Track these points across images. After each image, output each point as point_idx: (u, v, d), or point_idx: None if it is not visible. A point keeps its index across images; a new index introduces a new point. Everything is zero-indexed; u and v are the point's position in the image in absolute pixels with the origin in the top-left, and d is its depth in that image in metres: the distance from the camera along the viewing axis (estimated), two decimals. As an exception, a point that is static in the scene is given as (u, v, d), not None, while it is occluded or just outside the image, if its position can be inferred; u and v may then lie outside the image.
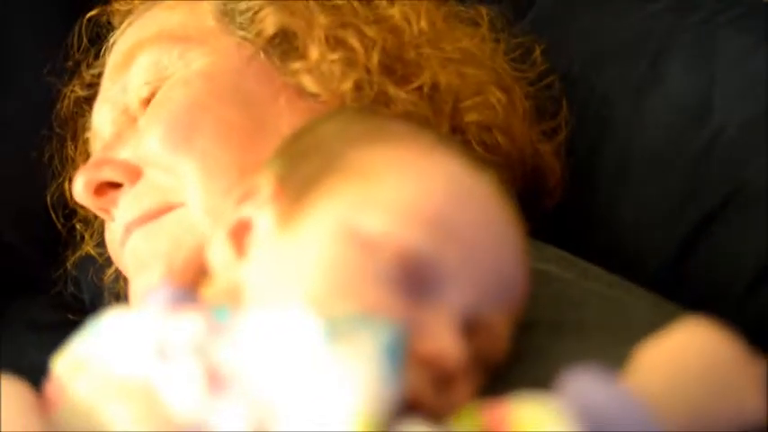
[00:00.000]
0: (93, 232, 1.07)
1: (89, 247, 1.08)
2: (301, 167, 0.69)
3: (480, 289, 0.64)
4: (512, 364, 0.68)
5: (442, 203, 0.64)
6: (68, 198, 1.04)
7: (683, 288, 0.88)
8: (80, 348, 0.63)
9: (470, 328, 0.64)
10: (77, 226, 1.08)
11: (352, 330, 0.53)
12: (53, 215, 1.07)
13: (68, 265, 1.11)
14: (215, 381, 0.55)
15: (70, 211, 1.08)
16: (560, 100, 0.99)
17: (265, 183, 0.70)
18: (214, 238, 0.70)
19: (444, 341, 0.60)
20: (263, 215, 0.68)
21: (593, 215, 0.97)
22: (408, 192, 0.64)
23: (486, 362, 0.66)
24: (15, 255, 1.15)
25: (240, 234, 0.69)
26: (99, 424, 0.57)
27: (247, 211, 0.69)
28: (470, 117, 0.88)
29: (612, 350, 0.66)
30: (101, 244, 1.00)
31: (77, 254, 1.09)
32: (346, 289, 0.60)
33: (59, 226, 1.08)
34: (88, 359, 0.62)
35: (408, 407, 0.56)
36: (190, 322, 0.58)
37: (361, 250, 0.62)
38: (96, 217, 1.01)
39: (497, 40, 0.97)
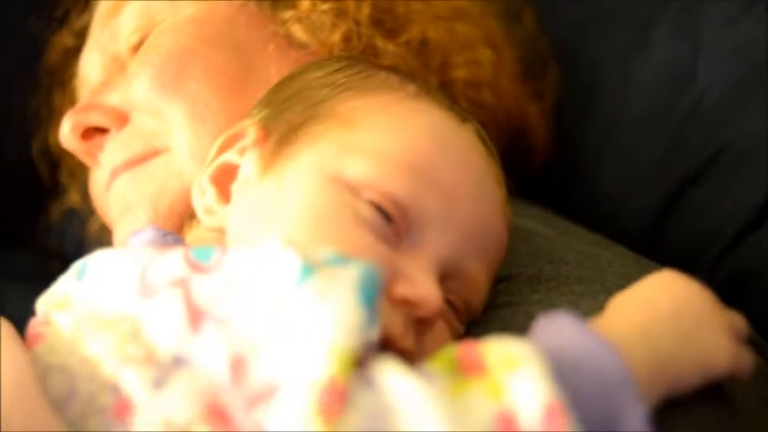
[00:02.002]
0: (79, 184, 1.07)
1: (74, 199, 1.07)
2: (286, 113, 0.69)
3: (460, 236, 0.65)
4: (489, 312, 0.69)
5: (424, 151, 0.65)
6: (55, 148, 1.03)
7: (664, 246, 0.90)
8: (64, 286, 0.64)
9: (449, 275, 0.65)
10: (62, 178, 1.08)
11: (329, 268, 0.54)
12: (38, 166, 1.07)
13: (52, 216, 1.11)
14: (195, 317, 0.56)
15: (56, 162, 1.07)
16: (549, 63, 0.99)
17: (250, 128, 0.70)
18: (197, 182, 0.71)
19: (423, 285, 0.61)
20: (246, 160, 0.68)
21: (579, 175, 0.98)
22: (391, 139, 0.65)
23: (464, 310, 0.67)
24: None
25: (223, 179, 0.69)
26: (81, 356, 0.57)
27: (231, 156, 0.70)
28: (458, 73, 0.89)
29: (588, 300, 0.68)
30: (86, 196, 0.99)
31: (62, 206, 1.09)
32: (327, 232, 0.61)
33: (44, 177, 1.08)
34: (72, 296, 0.62)
35: (384, 347, 0.57)
36: (172, 261, 0.59)
37: (343, 194, 0.63)
38: (82, 168, 1.01)
39: (489, 1, 0.97)
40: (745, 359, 0.58)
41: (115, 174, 0.84)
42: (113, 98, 0.85)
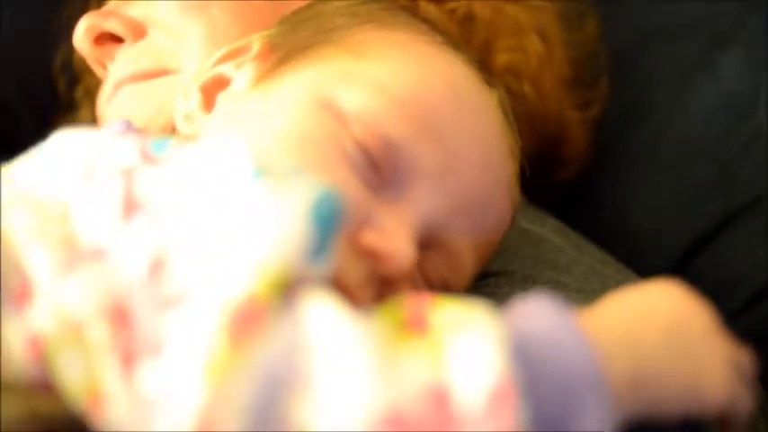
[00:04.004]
0: (92, 104, 1.03)
1: (85, 117, 1.03)
2: (295, 34, 0.63)
3: (452, 202, 0.57)
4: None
5: (434, 97, 0.58)
6: (76, 63, 1.00)
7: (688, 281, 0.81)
8: (14, 165, 0.58)
9: (432, 244, 0.57)
10: (78, 94, 1.04)
11: (286, 180, 0.47)
12: (57, 80, 1.03)
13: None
14: (130, 209, 0.49)
15: (75, 78, 1.03)
16: (603, 73, 0.92)
17: (255, 43, 0.64)
18: (186, 89, 0.65)
19: (394, 239, 0.54)
20: (241, 73, 0.63)
21: (610, 194, 0.90)
22: (400, 75, 0.58)
23: (440, 289, 0.59)
24: (8, 114, 1.10)
25: (213, 90, 0.63)
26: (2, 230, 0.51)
27: (226, 68, 0.64)
28: (500, 57, 0.82)
29: (582, 306, 0.60)
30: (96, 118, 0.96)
31: (71, 122, 1.05)
32: (303, 156, 0.54)
33: (61, 92, 1.04)
34: (16, 174, 0.57)
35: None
36: (125, 148, 0.53)
37: (331, 122, 0.56)
38: (99, 89, 0.97)
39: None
40: (743, 400, 0.49)
41: (118, 86, 0.79)
42: (135, 11, 0.81)
